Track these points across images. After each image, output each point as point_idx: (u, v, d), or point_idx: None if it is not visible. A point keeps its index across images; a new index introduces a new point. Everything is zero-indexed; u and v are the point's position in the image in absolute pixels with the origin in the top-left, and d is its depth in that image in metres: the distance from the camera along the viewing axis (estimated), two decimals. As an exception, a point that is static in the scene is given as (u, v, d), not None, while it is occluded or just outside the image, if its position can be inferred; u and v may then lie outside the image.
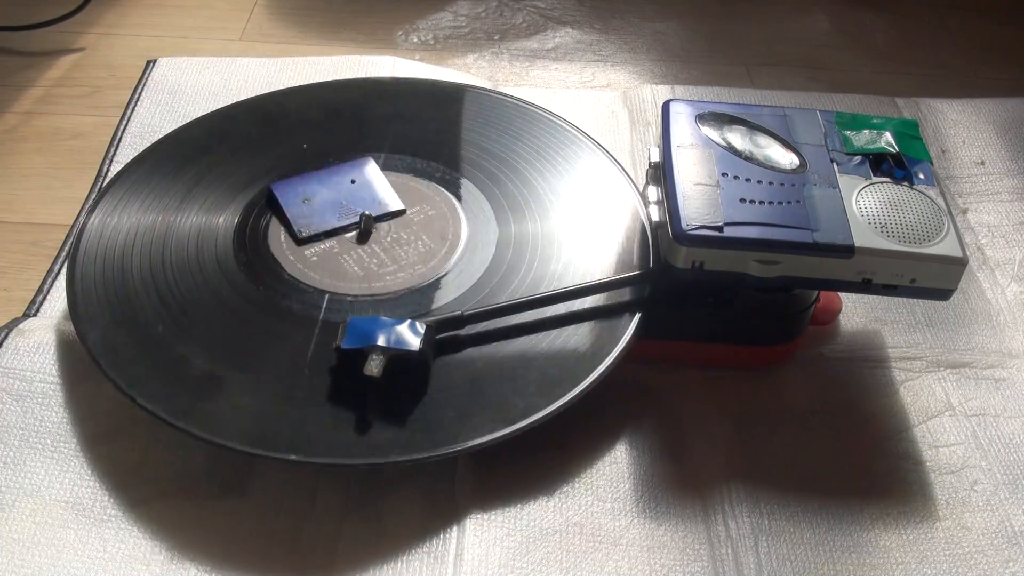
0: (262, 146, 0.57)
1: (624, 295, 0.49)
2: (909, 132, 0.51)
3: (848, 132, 0.50)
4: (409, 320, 0.46)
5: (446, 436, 0.43)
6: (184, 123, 0.59)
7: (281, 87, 0.63)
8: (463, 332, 0.47)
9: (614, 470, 0.47)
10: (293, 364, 0.46)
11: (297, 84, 0.63)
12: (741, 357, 0.51)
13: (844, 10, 0.82)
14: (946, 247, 0.45)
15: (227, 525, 0.43)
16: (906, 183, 0.48)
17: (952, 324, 0.55)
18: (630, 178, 0.56)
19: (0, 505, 0.43)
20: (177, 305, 0.48)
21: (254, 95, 0.61)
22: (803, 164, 0.48)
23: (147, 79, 0.68)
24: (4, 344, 0.49)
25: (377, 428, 0.44)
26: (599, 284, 0.49)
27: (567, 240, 0.52)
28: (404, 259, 0.51)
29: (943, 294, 0.46)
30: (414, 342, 0.45)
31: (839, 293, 0.53)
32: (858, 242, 0.45)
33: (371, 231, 0.52)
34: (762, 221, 0.45)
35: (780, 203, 0.46)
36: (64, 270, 0.53)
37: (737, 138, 0.50)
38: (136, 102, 0.66)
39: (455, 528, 0.44)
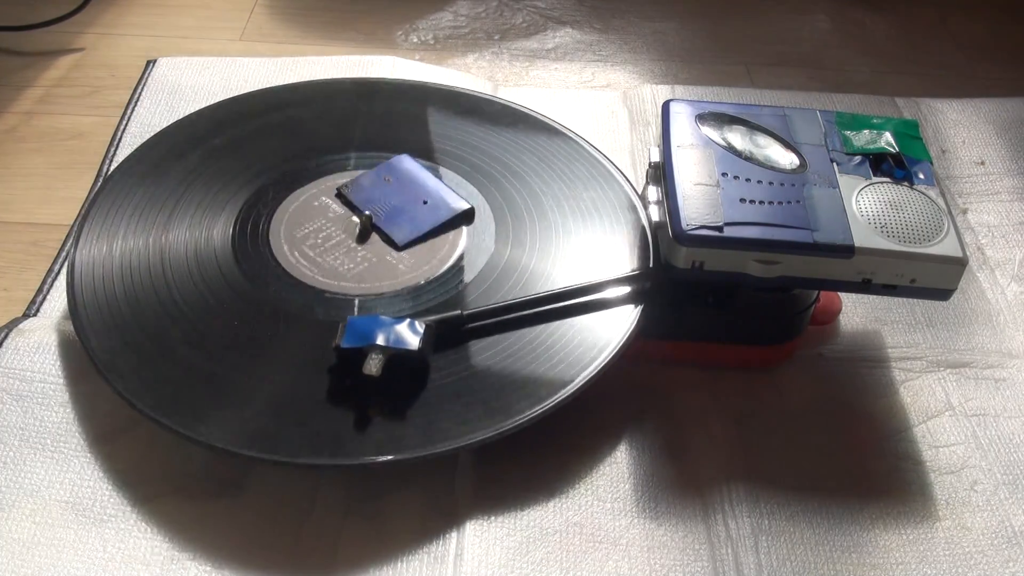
0: (261, 144, 0.57)
1: (624, 295, 0.49)
2: (909, 132, 0.51)
3: (848, 132, 0.50)
4: (408, 319, 0.46)
5: (445, 434, 0.43)
6: (179, 118, 0.59)
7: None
8: (462, 331, 0.47)
9: (614, 470, 0.47)
10: (292, 363, 0.46)
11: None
12: (741, 357, 0.51)
13: (844, 10, 0.82)
14: (946, 247, 0.45)
15: (227, 525, 0.43)
16: (906, 183, 0.48)
17: (952, 324, 0.55)
18: (628, 180, 0.56)
19: (0, 505, 0.43)
20: (177, 305, 0.48)
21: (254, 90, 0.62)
22: (803, 164, 0.48)
23: (147, 79, 0.68)
24: (4, 344, 0.49)
25: (377, 427, 0.44)
26: (599, 284, 0.49)
27: (566, 240, 0.52)
28: (404, 258, 0.51)
29: (943, 294, 0.46)
30: (413, 341, 0.45)
31: (839, 293, 0.53)
32: (858, 242, 0.45)
33: (371, 231, 0.52)
34: (762, 221, 0.45)
35: (780, 203, 0.46)
36: (64, 270, 0.53)
37: (737, 138, 0.50)
38: (136, 102, 0.66)
39: (455, 528, 0.44)
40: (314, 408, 0.44)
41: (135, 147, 0.57)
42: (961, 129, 0.67)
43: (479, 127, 0.59)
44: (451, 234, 0.52)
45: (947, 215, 0.46)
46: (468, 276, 0.50)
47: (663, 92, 0.69)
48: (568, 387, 0.45)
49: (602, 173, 0.57)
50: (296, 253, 0.51)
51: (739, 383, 0.51)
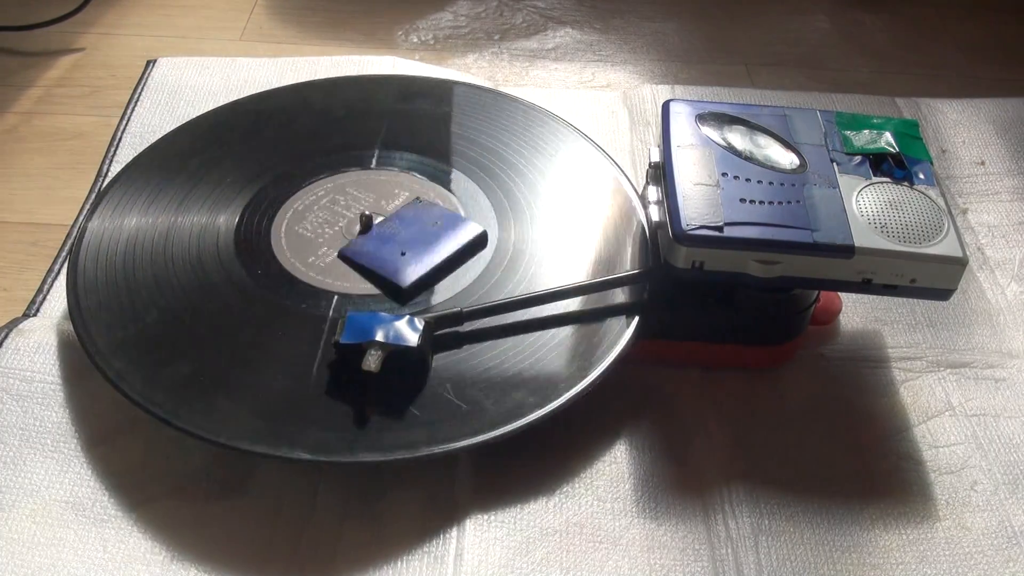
0: (261, 145, 0.57)
1: (624, 295, 0.49)
2: (909, 132, 0.51)
3: (848, 132, 0.50)
4: (408, 316, 0.46)
5: (445, 433, 0.43)
6: (183, 123, 0.59)
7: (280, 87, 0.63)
8: (462, 329, 0.47)
9: (614, 470, 0.47)
10: (293, 362, 0.46)
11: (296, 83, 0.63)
12: (741, 357, 0.51)
13: (844, 10, 0.82)
14: (946, 247, 0.45)
15: (227, 525, 0.43)
16: (906, 183, 0.48)
17: (952, 324, 0.55)
18: (628, 179, 0.56)
19: (0, 505, 0.43)
20: (177, 304, 0.48)
21: (252, 94, 0.61)
22: (803, 164, 0.48)
23: (147, 79, 0.68)
24: (4, 344, 0.49)
25: (375, 424, 0.44)
26: (599, 283, 0.49)
27: (566, 239, 0.52)
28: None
29: (943, 294, 0.46)
30: (412, 338, 0.45)
31: (839, 293, 0.53)
32: (858, 242, 0.45)
33: (371, 229, 0.52)
34: (762, 221, 0.45)
35: (780, 203, 0.46)
36: (64, 270, 0.53)
37: (737, 138, 0.50)
38: (136, 102, 0.66)
39: (455, 528, 0.44)
40: (314, 405, 0.44)
41: (136, 146, 0.57)
42: (961, 129, 0.67)
43: (481, 123, 0.59)
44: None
45: (947, 215, 0.46)
46: (467, 273, 0.50)
47: (663, 92, 0.69)
48: (568, 388, 0.45)
49: (604, 173, 0.57)
50: (297, 252, 0.51)
51: (739, 383, 0.51)
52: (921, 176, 0.48)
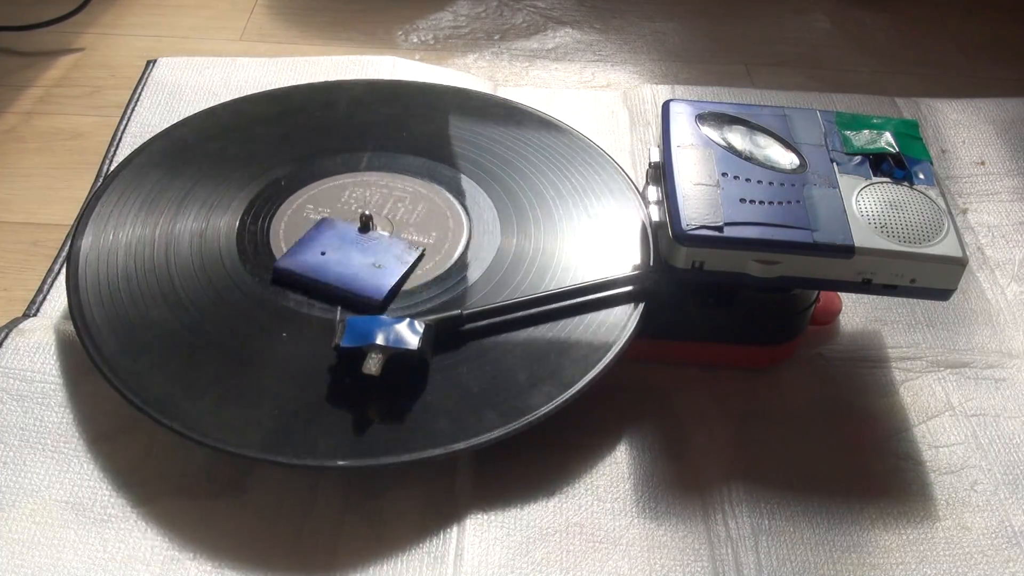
0: (263, 146, 0.57)
1: (624, 295, 0.49)
2: (909, 132, 0.51)
3: (848, 132, 0.50)
4: (408, 319, 0.46)
5: (445, 435, 0.43)
6: (180, 119, 0.59)
7: (281, 87, 0.63)
8: (462, 331, 0.47)
9: (614, 470, 0.47)
10: (292, 364, 0.46)
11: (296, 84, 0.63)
12: (741, 357, 0.51)
13: (844, 10, 0.82)
14: (946, 247, 0.45)
15: (227, 525, 0.43)
16: (906, 183, 0.48)
17: (952, 324, 0.55)
18: (629, 178, 0.56)
19: (0, 505, 0.43)
20: (178, 305, 0.48)
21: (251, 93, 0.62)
22: (803, 164, 0.48)
23: (147, 79, 0.68)
24: (4, 344, 0.49)
25: (376, 427, 0.44)
26: (599, 284, 0.49)
27: (567, 240, 0.52)
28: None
29: (943, 294, 0.46)
30: (413, 341, 0.45)
31: (839, 293, 0.53)
32: (858, 242, 0.45)
33: (371, 229, 0.52)
34: (762, 221, 0.45)
35: (780, 203, 0.46)
36: (64, 270, 0.53)
37: (737, 138, 0.50)
38: (136, 102, 0.66)
39: (455, 528, 0.44)
40: (314, 408, 0.44)
41: (136, 147, 0.57)
42: (961, 129, 0.67)
43: (483, 125, 0.59)
44: (451, 233, 0.52)
45: (947, 215, 0.46)
46: (468, 275, 0.50)
47: (663, 92, 0.69)
48: (569, 388, 0.45)
49: (604, 173, 0.57)
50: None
51: (739, 383, 0.51)
52: (921, 176, 0.48)
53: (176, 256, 0.50)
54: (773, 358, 0.51)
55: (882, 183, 0.48)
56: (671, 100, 0.52)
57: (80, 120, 0.66)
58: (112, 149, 0.62)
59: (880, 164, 0.49)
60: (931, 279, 0.45)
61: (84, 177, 0.61)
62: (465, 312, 0.47)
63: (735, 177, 0.47)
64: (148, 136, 0.58)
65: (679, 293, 0.49)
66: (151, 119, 0.64)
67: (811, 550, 0.44)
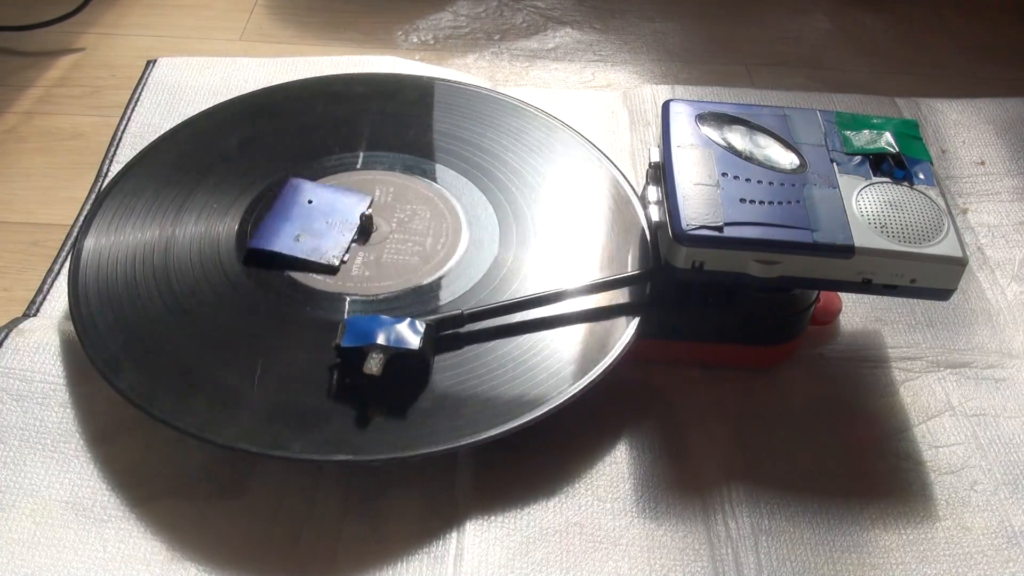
0: (263, 146, 0.57)
1: (624, 295, 0.49)
2: (909, 132, 0.51)
3: (848, 132, 0.50)
4: (409, 319, 0.46)
5: (446, 434, 0.43)
6: (183, 120, 0.59)
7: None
8: (463, 331, 0.47)
9: (614, 470, 0.47)
10: (293, 363, 0.46)
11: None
12: (741, 357, 0.51)
13: (844, 10, 0.82)
14: (946, 247, 0.45)
15: (227, 525, 0.43)
16: (906, 183, 0.48)
17: (952, 324, 0.55)
18: (628, 179, 0.56)
19: (0, 505, 0.43)
20: (178, 304, 0.48)
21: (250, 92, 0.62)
22: (803, 164, 0.48)
23: (147, 79, 0.68)
24: (4, 344, 0.49)
25: (377, 426, 0.44)
26: (599, 284, 0.49)
27: (567, 240, 0.52)
28: (405, 259, 0.51)
29: (943, 294, 0.46)
30: (414, 341, 0.45)
31: (839, 293, 0.53)
32: (858, 242, 0.45)
33: (371, 230, 0.52)
34: (762, 221, 0.45)
35: (780, 203, 0.46)
36: (64, 270, 0.53)
37: (737, 138, 0.50)
38: (136, 102, 0.66)
39: (455, 528, 0.44)
40: (315, 407, 0.44)
41: (136, 147, 0.57)
42: (961, 129, 0.67)
43: (480, 124, 0.59)
44: (451, 233, 0.52)
45: (947, 215, 0.46)
46: (468, 275, 0.50)
47: (663, 92, 0.69)
48: (569, 388, 0.45)
49: (604, 173, 0.57)
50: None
51: (739, 383, 0.51)
52: (921, 176, 0.48)
53: (176, 257, 0.50)
54: (773, 358, 0.51)
55: (882, 183, 0.48)
56: (671, 100, 0.52)
57: (80, 120, 0.66)
58: (112, 149, 0.62)
59: (880, 164, 0.49)
60: (931, 279, 0.45)
61: (84, 177, 0.61)
62: (466, 312, 0.47)
63: (735, 177, 0.47)
64: (148, 136, 0.58)
65: (679, 293, 0.49)
66: (151, 119, 0.64)
67: (811, 550, 0.44)
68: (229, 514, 0.44)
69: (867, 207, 0.46)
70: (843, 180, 0.48)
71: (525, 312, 0.48)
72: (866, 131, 0.50)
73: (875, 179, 0.48)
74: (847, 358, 0.53)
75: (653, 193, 0.50)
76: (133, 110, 0.65)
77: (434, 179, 0.56)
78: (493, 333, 0.48)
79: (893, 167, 0.49)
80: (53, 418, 0.47)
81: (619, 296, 0.49)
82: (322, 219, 0.52)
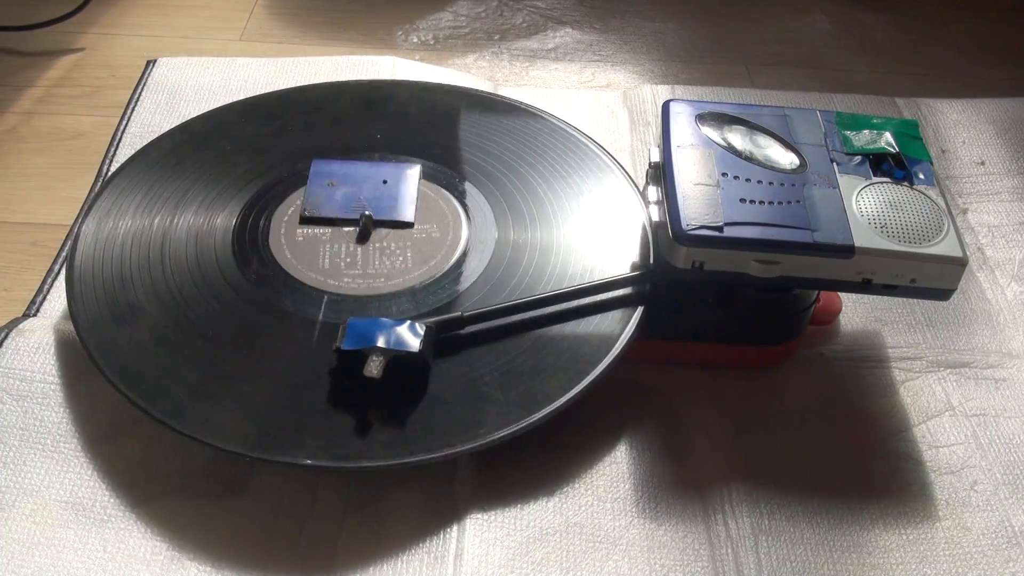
0: (261, 145, 0.57)
1: (624, 295, 0.49)
2: (909, 132, 0.51)
3: (848, 132, 0.50)
4: (409, 321, 0.46)
5: (446, 437, 0.43)
6: (181, 122, 0.59)
7: (281, 87, 0.63)
8: (463, 333, 0.47)
9: (614, 470, 0.47)
10: (293, 365, 0.46)
11: (296, 84, 0.63)
12: (741, 357, 0.51)
13: (844, 10, 0.82)
14: (946, 247, 0.45)
15: (227, 525, 0.43)
16: (906, 183, 0.48)
17: (952, 324, 0.55)
18: (630, 178, 0.56)
19: (0, 505, 0.43)
20: (176, 306, 0.48)
21: (253, 95, 0.61)
22: (803, 164, 0.48)
23: (147, 79, 0.68)
24: (4, 344, 0.49)
25: (377, 429, 0.44)
26: (599, 284, 0.49)
27: (566, 240, 0.52)
28: (405, 260, 0.51)
29: (943, 294, 0.46)
30: (414, 343, 0.45)
31: (839, 293, 0.53)
32: (858, 242, 0.45)
33: (371, 231, 0.52)
34: (762, 221, 0.45)
35: (780, 203, 0.46)
36: (64, 270, 0.53)
37: (737, 138, 0.50)
38: (136, 102, 0.66)
39: (455, 528, 0.44)
40: (315, 410, 0.44)
41: (136, 147, 0.57)
42: (961, 129, 0.67)
43: (481, 124, 0.59)
44: (451, 234, 0.52)
45: (947, 215, 0.46)
46: (468, 277, 0.50)
47: (663, 92, 0.69)
48: (569, 389, 0.45)
49: (603, 173, 0.57)
50: (297, 254, 0.51)
51: (739, 383, 0.51)
52: (921, 176, 0.48)
53: (173, 257, 0.50)
54: (773, 358, 0.51)
55: (882, 183, 0.48)
56: (671, 100, 0.52)
57: (80, 120, 0.66)
58: (112, 149, 0.62)
59: (880, 164, 0.49)
60: (931, 279, 0.45)
61: (84, 177, 0.61)
62: (466, 314, 0.47)
63: (735, 177, 0.47)
64: (148, 136, 0.58)
65: (679, 293, 0.49)
66: (151, 119, 0.64)
67: (811, 550, 0.44)
68: (229, 514, 0.44)
69: (867, 207, 0.46)
70: (843, 180, 0.48)
71: (525, 313, 0.48)
72: (866, 131, 0.50)
73: (875, 179, 0.48)
74: (847, 358, 0.53)
75: (653, 193, 0.50)
76: (133, 110, 0.65)
77: (432, 178, 0.56)
78: (493, 335, 0.48)
79: (893, 167, 0.49)
80: (53, 418, 0.47)
81: (619, 296, 0.49)
82: (364, 196, 0.54)
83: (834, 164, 0.49)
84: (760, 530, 0.45)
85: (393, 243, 0.52)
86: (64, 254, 0.56)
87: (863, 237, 0.45)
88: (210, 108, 0.60)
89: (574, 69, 0.74)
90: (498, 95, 0.63)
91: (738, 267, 0.45)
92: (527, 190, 0.55)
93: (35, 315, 0.52)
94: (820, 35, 0.79)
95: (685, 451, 0.48)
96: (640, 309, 0.49)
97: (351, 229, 0.52)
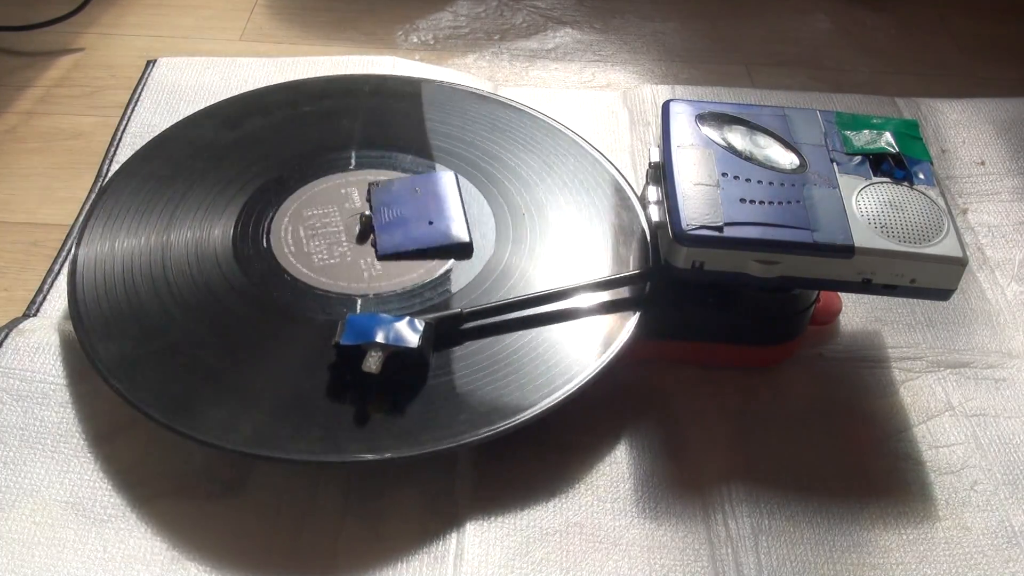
0: (262, 145, 0.57)
1: (624, 295, 0.49)
2: (909, 132, 0.51)
3: (848, 132, 0.50)
4: (408, 317, 0.46)
5: (445, 432, 0.43)
6: (182, 119, 0.59)
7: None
8: (462, 329, 0.47)
9: (614, 470, 0.47)
10: (292, 362, 0.46)
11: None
12: (741, 357, 0.51)
13: (844, 10, 0.82)
14: (946, 247, 0.45)
15: (227, 525, 0.43)
16: (906, 183, 0.48)
17: (952, 324, 0.55)
18: (628, 179, 0.56)
19: (0, 505, 0.43)
20: (177, 304, 0.48)
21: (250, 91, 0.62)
22: (803, 164, 0.48)
23: (147, 79, 0.68)
24: (4, 344, 0.49)
25: (376, 424, 0.44)
26: (598, 283, 0.49)
27: (566, 239, 0.52)
28: (404, 258, 0.51)
29: (943, 294, 0.46)
30: (413, 339, 0.45)
31: (839, 293, 0.53)
32: (858, 242, 0.45)
33: (371, 231, 0.52)
34: (762, 221, 0.45)
35: (780, 203, 0.46)
36: (64, 270, 0.53)
37: (737, 138, 0.50)
38: (136, 102, 0.66)
39: (455, 528, 0.44)
40: (313, 405, 0.44)
41: (136, 147, 0.57)
42: (961, 129, 0.67)
43: (479, 125, 0.59)
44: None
45: (947, 215, 0.46)
46: (467, 274, 0.50)
47: (663, 92, 0.69)
48: (568, 387, 0.45)
49: (603, 173, 0.57)
50: (297, 253, 0.51)
51: (739, 383, 0.51)
52: (921, 176, 0.48)
53: (173, 257, 0.50)
54: (773, 358, 0.51)
55: (882, 183, 0.48)
56: (671, 100, 0.52)
57: (80, 120, 0.66)
58: (112, 149, 0.62)
59: (880, 164, 0.49)
60: (931, 279, 0.45)
61: (84, 177, 0.61)
62: (465, 310, 0.47)
63: (735, 177, 0.47)
64: (148, 136, 0.58)
65: (679, 293, 0.49)
66: (151, 119, 0.64)
67: (811, 550, 0.44)
68: (229, 514, 0.44)
69: (867, 207, 0.46)
70: (843, 180, 0.48)
71: (524, 311, 0.48)
72: (866, 131, 0.50)
73: (875, 179, 0.48)
74: (847, 358, 0.53)
75: (653, 193, 0.50)
76: (133, 110, 0.65)
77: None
78: (492, 331, 0.48)
79: (893, 167, 0.49)
80: (53, 418, 0.47)
81: (619, 295, 0.49)
82: (424, 219, 0.53)
83: (834, 164, 0.49)
84: (760, 530, 0.45)
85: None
86: (64, 254, 0.56)
87: (863, 237, 0.45)
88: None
89: (574, 69, 0.74)
90: (493, 93, 0.63)
91: (738, 267, 0.45)
92: (525, 189, 0.55)
93: (35, 315, 0.52)
94: (820, 35, 0.79)
95: (685, 451, 0.48)
96: (640, 309, 0.49)
97: (351, 228, 0.52)
